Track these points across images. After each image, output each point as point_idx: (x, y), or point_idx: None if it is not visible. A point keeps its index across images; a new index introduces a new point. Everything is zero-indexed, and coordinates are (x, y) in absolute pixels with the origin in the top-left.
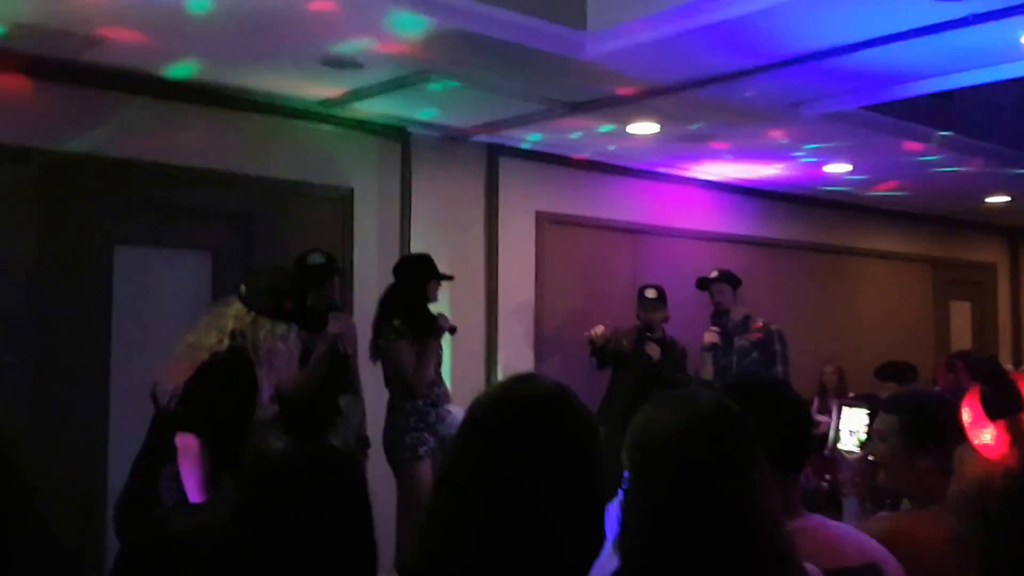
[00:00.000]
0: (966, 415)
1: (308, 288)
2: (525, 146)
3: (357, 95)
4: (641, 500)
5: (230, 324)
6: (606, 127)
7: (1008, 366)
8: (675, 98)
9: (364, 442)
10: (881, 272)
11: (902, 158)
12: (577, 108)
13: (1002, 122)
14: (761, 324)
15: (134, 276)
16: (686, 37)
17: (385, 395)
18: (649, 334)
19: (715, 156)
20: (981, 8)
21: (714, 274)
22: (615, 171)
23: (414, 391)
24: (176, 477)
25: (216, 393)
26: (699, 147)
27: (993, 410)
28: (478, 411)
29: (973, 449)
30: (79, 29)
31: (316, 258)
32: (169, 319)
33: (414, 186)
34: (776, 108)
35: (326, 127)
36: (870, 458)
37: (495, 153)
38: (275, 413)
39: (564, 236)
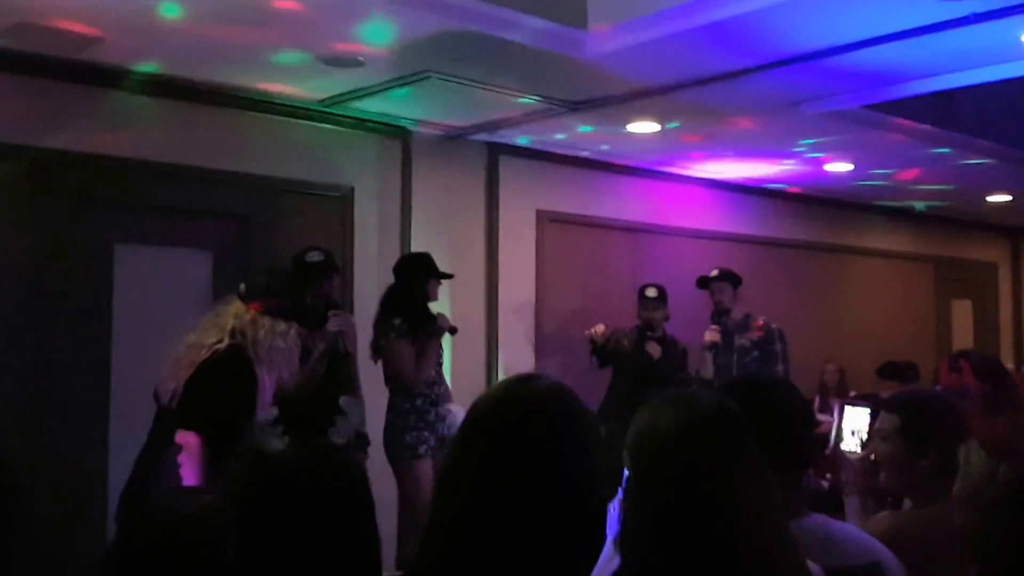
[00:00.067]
0: (970, 416)
1: (306, 286)
2: (525, 145)
3: (358, 94)
4: (642, 500)
5: (230, 323)
6: (606, 126)
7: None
8: (675, 97)
9: (364, 440)
10: (882, 271)
11: (903, 157)
12: (577, 107)
13: (1003, 121)
14: (762, 323)
15: (134, 275)
16: (686, 36)
17: (385, 394)
18: (650, 333)
19: (716, 155)
20: (982, 7)
21: (714, 273)
22: (615, 170)
23: (412, 390)
24: (176, 466)
25: (216, 391)
26: (700, 146)
27: (995, 408)
28: (479, 411)
29: (978, 446)
30: (78, 27)
31: (314, 256)
32: (169, 318)
33: (414, 185)
34: (777, 107)
35: (326, 126)
36: (872, 457)
37: (495, 152)
38: (275, 413)
39: (565, 235)
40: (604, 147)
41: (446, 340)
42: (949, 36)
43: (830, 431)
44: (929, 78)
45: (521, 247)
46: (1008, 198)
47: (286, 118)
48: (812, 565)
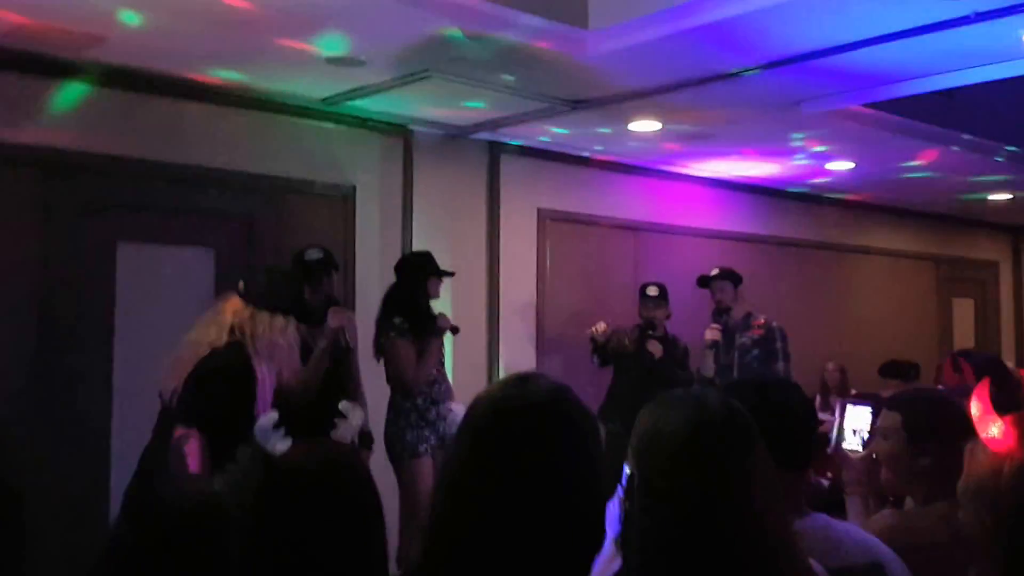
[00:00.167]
0: (975, 408)
1: (306, 284)
2: (527, 143)
3: (359, 92)
4: (647, 501)
5: (229, 320)
6: (607, 125)
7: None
8: (676, 96)
9: (368, 438)
10: (884, 270)
11: (904, 155)
12: (578, 106)
13: (1004, 119)
14: (762, 321)
15: (137, 273)
16: (687, 35)
17: (387, 392)
18: (651, 332)
19: (717, 154)
20: (983, 6)
21: (715, 271)
22: (617, 168)
23: (412, 389)
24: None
25: (214, 388)
26: (701, 145)
27: (999, 406)
28: (476, 411)
29: (983, 443)
30: (83, 26)
31: (314, 254)
32: (172, 316)
33: (416, 184)
34: (778, 106)
35: (328, 125)
36: (873, 456)
37: (496, 150)
38: (278, 412)
39: (566, 233)
40: (605, 146)
41: (447, 339)
42: (950, 35)
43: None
44: (930, 77)
45: (522, 246)
46: (1009, 196)
47: (288, 117)
48: (815, 565)
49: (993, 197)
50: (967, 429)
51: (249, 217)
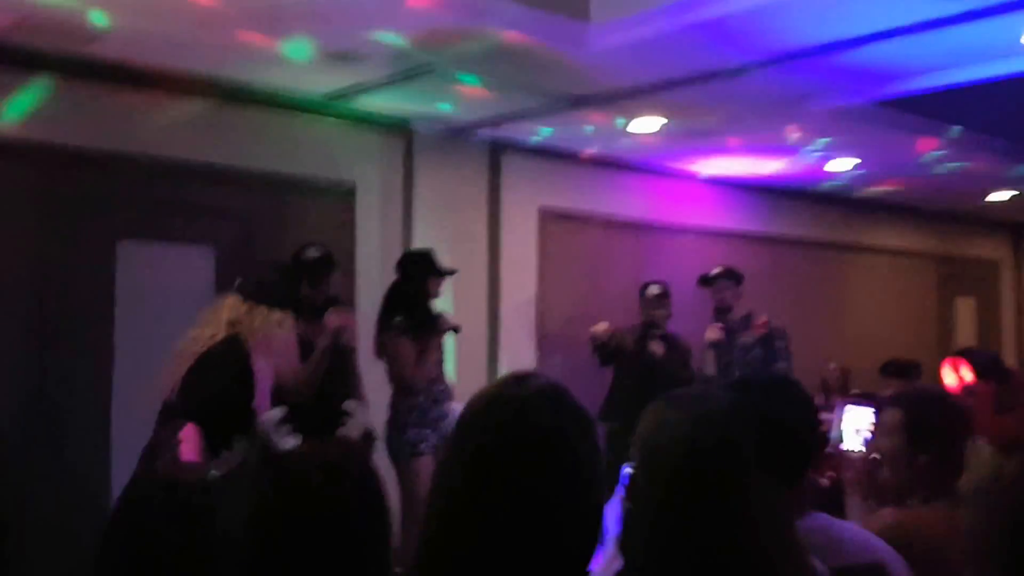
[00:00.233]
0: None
1: (306, 282)
2: (528, 141)
3: (360, 89)
4: (652, 501)
5: (225, 314)
6: (610, 122)
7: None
8: (679, 93)
9: (369, 437)
10: (885, 268)
11: (907, 153)
12: (580, 103)
13: (1007, 118)
14: (764, 320)
15: (137, 271)
16: (690, 31)
17: (387, 391)
18: (653, 331)
19: (719, 152)
20: (986, 3)
21: (716, 271)
22: (619, 167)
23: (413, 388)
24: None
25: (211, 382)
26: (703, 143)
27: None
28: (471, 412)
29: (986, 442)
30: (81, 22)
31: (313, 252)
32: (172, 314)
33: (416, 181)
34: (781, 103)
35: (329, 122)
36: (874, 456)
37: (498, 148)
38: (283, 410)
39: (567, 232)
40: (607, 144)
41: (448, 338)
42: (953, 32)
43: (831, 430)
44: (933, 74)
45: (523, 244)
46: (1011, 195)
47: (289, 113)
48: (818, 564)
49: (995, 195)
50: (968, 428)
51: (249, 215)
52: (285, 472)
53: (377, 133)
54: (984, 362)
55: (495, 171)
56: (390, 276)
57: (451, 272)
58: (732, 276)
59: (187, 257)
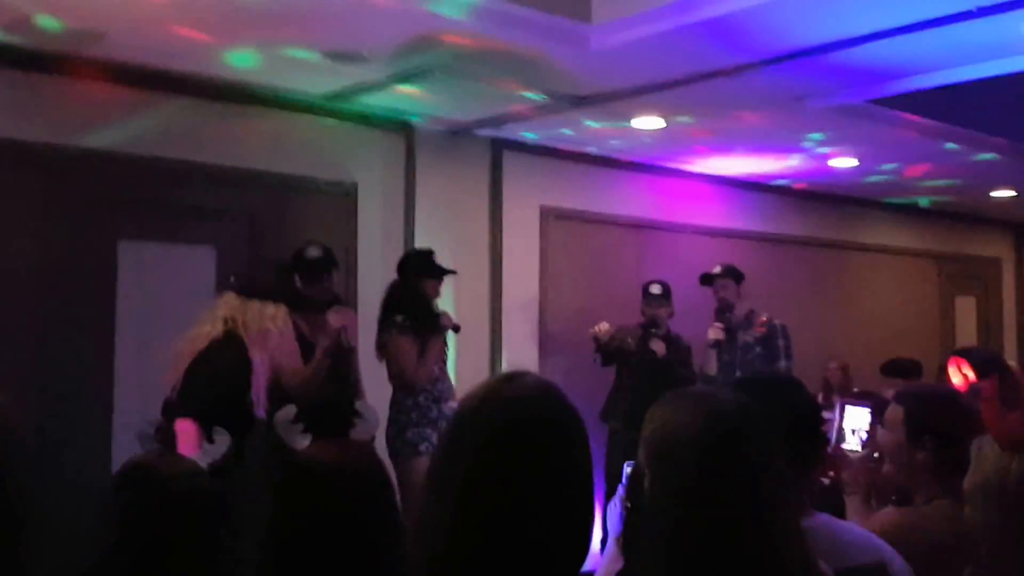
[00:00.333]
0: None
1: (305, 280)
2: (529, 140)
3: (361, 89)
4: (660, 499)
5: (221, 311)
6: (611, 121)
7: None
8: (680, 92)
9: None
10: (886, 268)
11: (908, 151)
12: (581, 102)
13: (1008, 116)
14: (765, 319)
15: (138, 272)
16: (691, 30)
17: (388, 390)
18: (654, 330)
19: (721, 150)
20: (988, 1)
21: (717, 269)
22: (620, 166)
23: (413, 387)
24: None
25: (209, 377)
26: (704, 142)
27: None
28: (463, 411)
29: (991, 440)
30: (85, 23)
31: (313, 251)
32: (173, 315)
33: (418, 181)
34: (782, 102)
35: (330, 121)
36: (875, 455)
37: (499, 147)
38: (295, 410)
39: (568, 231)
40: (608, 142)
41: (450, 337)
42: (954, 30)
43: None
44: (934, 72)
45: (525, 243)
46: (1013, 193)
47: (290, 113)
48: (822, 565)
49: (996, 194)
50: (969, 427)
51: (250, 215)
52: (300, 470)
53: (378, 132)
54: (983, 360)
55: (496, 170)
56: (391, 275)
57: (448, 272)
58: (733, 274)
59: (189, 257)
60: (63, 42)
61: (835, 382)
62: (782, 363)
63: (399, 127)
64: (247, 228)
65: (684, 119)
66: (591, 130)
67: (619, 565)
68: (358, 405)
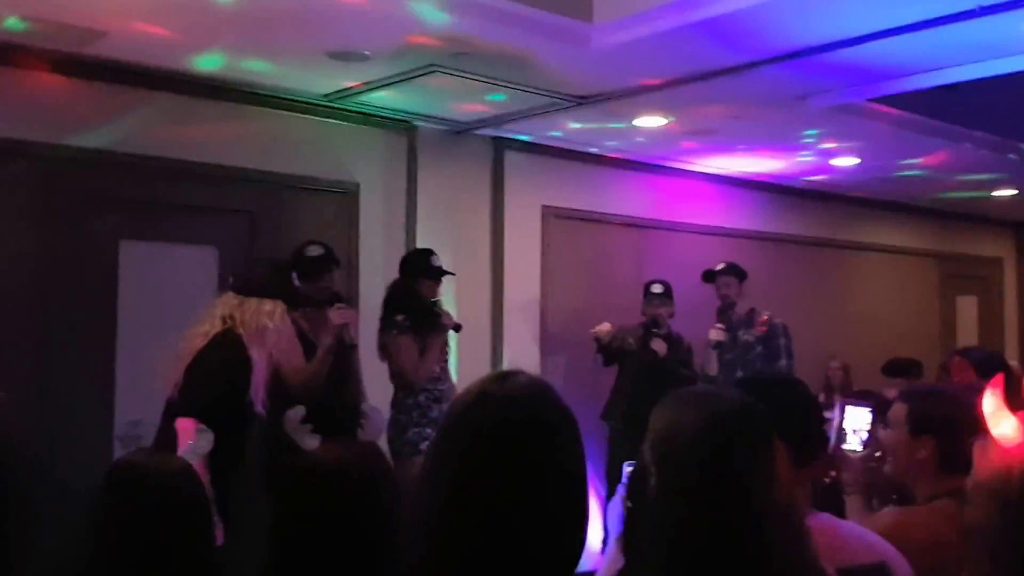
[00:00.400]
0: (988, 404)
1: (305, 279)
2: (531, 140)
3: (363, 88)
4: (664, 498)
5: (219, 310)
6: (612, 121)
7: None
8: (682, 91)
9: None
10: (887, 267)
11: (909, 151)
12: (583, 101)
13: (1009, 115)
14: (766, 318)
15: (139, 271)
16: (692, 29)
17: (389, 389)
18: (655, 330)
19: (722, 150)
20: (988, 0)
21: (720, 266)
22: (621, 165)
23: (414, 387)
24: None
25: (208, 375)
26: (706, 141)
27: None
28: (456, 409)
29: (993, 440)
30: (85, 21)
31: (314, 250)
32: (174, 314)
33: (419, 180)
34: (783, 101)
35: (331, 121)
36: (876, 455)
37: (501, 147)
38: (303, 411)
39: (570, 230)
40: (610, 142)
41: (451, 337)
42: (954, 29)
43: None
44: (936, 71)
45: (526, 243)
46: (1013, 192)
47: (292, 113)
48: (824, 565)
49: (997, 193)
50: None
51: (252, 214)
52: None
53: (380, 132)
54: (983, 360)
55: (498, 169)
56: (393, 275)
57: (445, 274)
58: (736, 271)
59: (190, 257)
60: (63, 41)
61: (837, 382)
62: (783, 362)
63: (401, 127)
64: (248, 228)
65: (685, 118)
66: (592, 130)
67: (620, 565)
68: (364, 406)
